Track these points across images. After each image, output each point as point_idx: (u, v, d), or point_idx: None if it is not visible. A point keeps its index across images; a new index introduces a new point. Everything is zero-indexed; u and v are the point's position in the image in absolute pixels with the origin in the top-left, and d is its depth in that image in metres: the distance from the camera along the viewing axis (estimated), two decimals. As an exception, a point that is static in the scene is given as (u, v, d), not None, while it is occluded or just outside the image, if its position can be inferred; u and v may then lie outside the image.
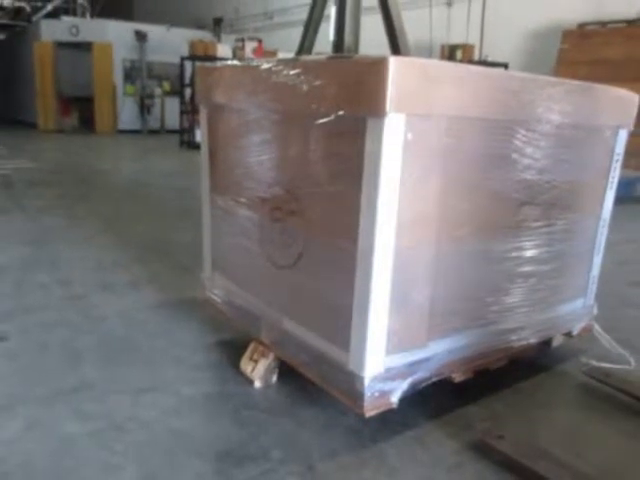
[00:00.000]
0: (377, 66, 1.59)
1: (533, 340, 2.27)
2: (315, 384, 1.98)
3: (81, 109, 15.45)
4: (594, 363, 2.32)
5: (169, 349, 2.48)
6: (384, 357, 1.81)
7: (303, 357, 2.04)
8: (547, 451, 1.79)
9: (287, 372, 2.14)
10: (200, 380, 2.25)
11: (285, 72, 1.92)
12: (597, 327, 2.54)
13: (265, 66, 2.05)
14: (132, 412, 2.00)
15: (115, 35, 15.02)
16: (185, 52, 12.18)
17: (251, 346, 2.27)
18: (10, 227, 4.58)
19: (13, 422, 1.92)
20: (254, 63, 2.25)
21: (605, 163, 2.39)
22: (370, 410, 1.80)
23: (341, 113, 1.72)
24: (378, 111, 1.60)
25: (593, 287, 2.56)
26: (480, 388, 2.16)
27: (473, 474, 1.73)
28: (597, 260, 2.52)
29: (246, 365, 2.24)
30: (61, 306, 2.92)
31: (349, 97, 1.69)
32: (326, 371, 1.93)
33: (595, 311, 2.59)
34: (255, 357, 2.23)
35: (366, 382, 1.77)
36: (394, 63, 1.57)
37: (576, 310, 2.50)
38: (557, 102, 2.03)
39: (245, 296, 2.38)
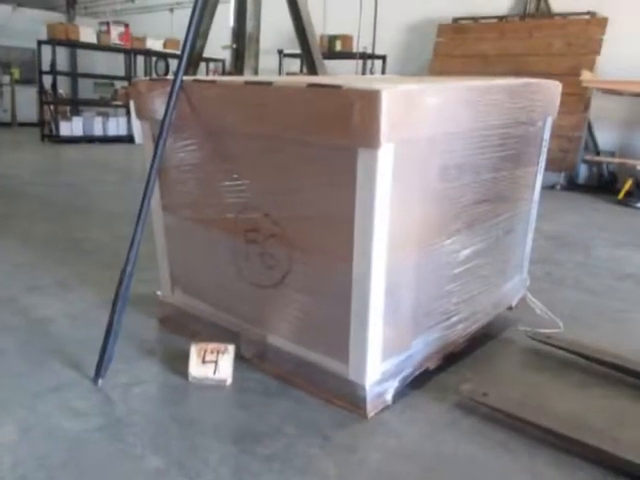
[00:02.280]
0: (369, 100, 1.64)
1: (487, 320, 2.55)
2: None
3: None
4: (532, 329, 2.61)
5: (134, 344, 2.44)
6: (380, 364, 1.98)
7: (289, 367, 2.15)
8: (524, 403, 2.05)
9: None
10: (175, 369, 2.22)
11: (258, 93, 1.97)
12: (530, 296, 2.88)
13: (232, 84, 2.09)
14: (127, 406, 1.98)
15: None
16: (39, 36, 11.07)
17: (195, 350, 2.15)
18: None
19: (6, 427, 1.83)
20: (223, 80, 2.25)
21: (536, 150, 2.70)
22: (371, 411, 1.97)
23: (330, 142, 1.78)
24: (371, 143, 1.67)
25: (526, 262, 2.90)
26: (445, 359, 2.36)
27: (468, 428, 1.94)
28: (530, 238, 2.85)
29: (205, 370, 2.12)
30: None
31: (337, 128, 1.73)
32: (321, 381, 2.05)
33: (528, 282, 2.93)
34: (209, 358, 2.14)
35: (367, 389, 1.94)
36: (386, 97, 1.63)
37: (515, 284, 2.82)
38: (504, 104, 2.26)
39: (214, 312, 2.41)
